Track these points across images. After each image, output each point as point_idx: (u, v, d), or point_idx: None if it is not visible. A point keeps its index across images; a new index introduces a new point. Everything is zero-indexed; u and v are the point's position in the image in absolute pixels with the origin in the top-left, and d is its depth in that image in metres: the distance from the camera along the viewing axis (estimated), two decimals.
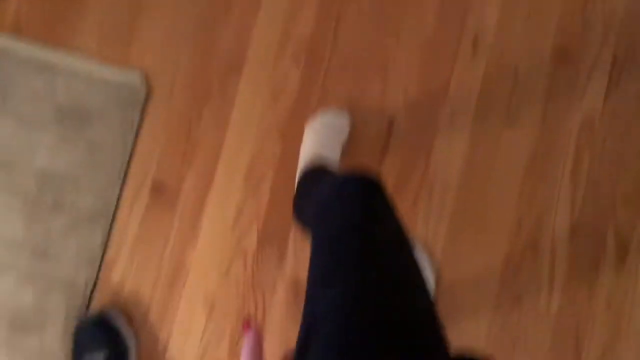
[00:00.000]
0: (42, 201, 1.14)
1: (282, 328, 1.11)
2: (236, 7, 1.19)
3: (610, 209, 1.11)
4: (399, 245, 0.59)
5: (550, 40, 1.15)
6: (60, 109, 1.17)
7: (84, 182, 1.15)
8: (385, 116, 1.15)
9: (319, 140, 1.10)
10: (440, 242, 1.12)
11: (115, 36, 1.19)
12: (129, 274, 1.14)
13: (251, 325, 0.49)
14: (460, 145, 1.14)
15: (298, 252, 1.13)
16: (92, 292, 1.13)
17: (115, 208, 1.15)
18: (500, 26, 1.16)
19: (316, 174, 0.96)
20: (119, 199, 1.15)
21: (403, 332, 0.47)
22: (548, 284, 1.10)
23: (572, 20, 1.15)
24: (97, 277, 1.13)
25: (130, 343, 1.08)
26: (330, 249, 0.57)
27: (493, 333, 1.10)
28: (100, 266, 1.13)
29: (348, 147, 1.13)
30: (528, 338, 1.09)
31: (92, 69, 1.17)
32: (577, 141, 1.13)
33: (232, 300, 1.12)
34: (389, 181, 1.13)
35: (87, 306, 1.12)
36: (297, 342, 0.50)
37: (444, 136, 1.14)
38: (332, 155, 1.07)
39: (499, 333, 1.09)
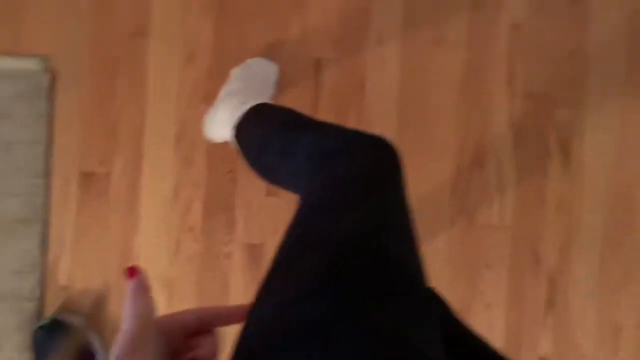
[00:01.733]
0: None
1: (245, 292, 1.09)
2: None
3: (548, 112, 1.10)
4: (408, 217, 0.56)
5: None
6: None
7: (5, 186, 1.07)
8: (312, 56, 1.09)
9: (245, 88, 1.01)
10: None
11: (4, 25, 1.08)
12: (76, 271, 1.09)
13: (136, 270, 0.39)
14: (392, 69, 1.10)
15: (247, 216, 1.09)
16: (41, 298, 1.08)
17: (46, 207, 1.08)
18: None
19: (274, 115, 0.84)
20: (48, 197, 1.08)
21: (402, 276, 0.44)
22: (499, 196, 1.10)
23: None
24: (42, 282, 1.08)
25: (94, 342, 1.04)
26: (336, 186, 0.53)
27: (454, 252, 1.11)
28: (44, 270, 1.08)
29: (277, 97, 1.07)
30: (488, 252, 1.11)
31: None
32: (508, 48, 1.10)
33: (189, 278, 1.09)
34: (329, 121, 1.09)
35: (40, 313, 1.08)
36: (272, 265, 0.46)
37: (374, 64, 1.09)
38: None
39: (459, 251, 1.10)
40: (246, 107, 0.87)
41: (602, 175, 1.11)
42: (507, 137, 1.10)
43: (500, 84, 1.10)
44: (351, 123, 1.09)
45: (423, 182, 1.10)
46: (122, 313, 0.38)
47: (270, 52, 1.09)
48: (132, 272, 0.39)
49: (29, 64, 1.06)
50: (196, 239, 1.09)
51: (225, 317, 0.43)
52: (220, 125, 0.96)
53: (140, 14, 1.08)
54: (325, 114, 1.09)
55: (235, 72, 1.06)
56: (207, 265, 1.09)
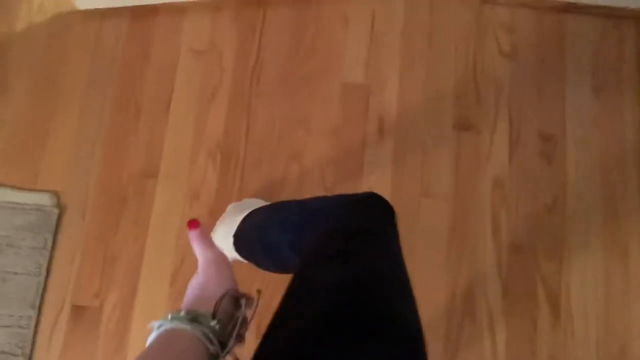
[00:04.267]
0: None
1: None
2: (145, 113, 1.19)
3: (534, 264, 1.14)
4: (401, 269, 0.59)
5: (449, 112, 1.22)
6: None
7: None
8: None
9: (241, 215, 1.04)
10: None
11: (23, 162, 1.16)
12: None
13: (196, 223, 0.54)
14: None
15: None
16: None
17: (32, 341, 1.06)
18: (401, 105, 1.22)
19: (279, 204, 0.90)
20: (35, 330, 1.07)
21: (400, 328, 0.48)
22: (491, 348, 1.09)
23: (467, 92, 1.23)
24: None
25: None
26: (334, 238, 0.58)
27: None
28: None
29: None
30: None
31: None
32: (492, 203, 1.17)
33: None
34: None
35: None
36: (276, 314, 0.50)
37: None
38: None
39: None
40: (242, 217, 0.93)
41: (592, 326, 1.11)
42: (497, 288, 1.13)
43: (486, 235, 1.15)
44: None
45: None
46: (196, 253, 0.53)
47: (269, 195, 1.16)
48: (193, 224, 0.54)
49: (42, 199, 1.13)
50: None
51: None
52: (218, 244, 0.98)
53: (152, 156, 1.17)
54: None
55: (231, 206, 1.12)
56: None
